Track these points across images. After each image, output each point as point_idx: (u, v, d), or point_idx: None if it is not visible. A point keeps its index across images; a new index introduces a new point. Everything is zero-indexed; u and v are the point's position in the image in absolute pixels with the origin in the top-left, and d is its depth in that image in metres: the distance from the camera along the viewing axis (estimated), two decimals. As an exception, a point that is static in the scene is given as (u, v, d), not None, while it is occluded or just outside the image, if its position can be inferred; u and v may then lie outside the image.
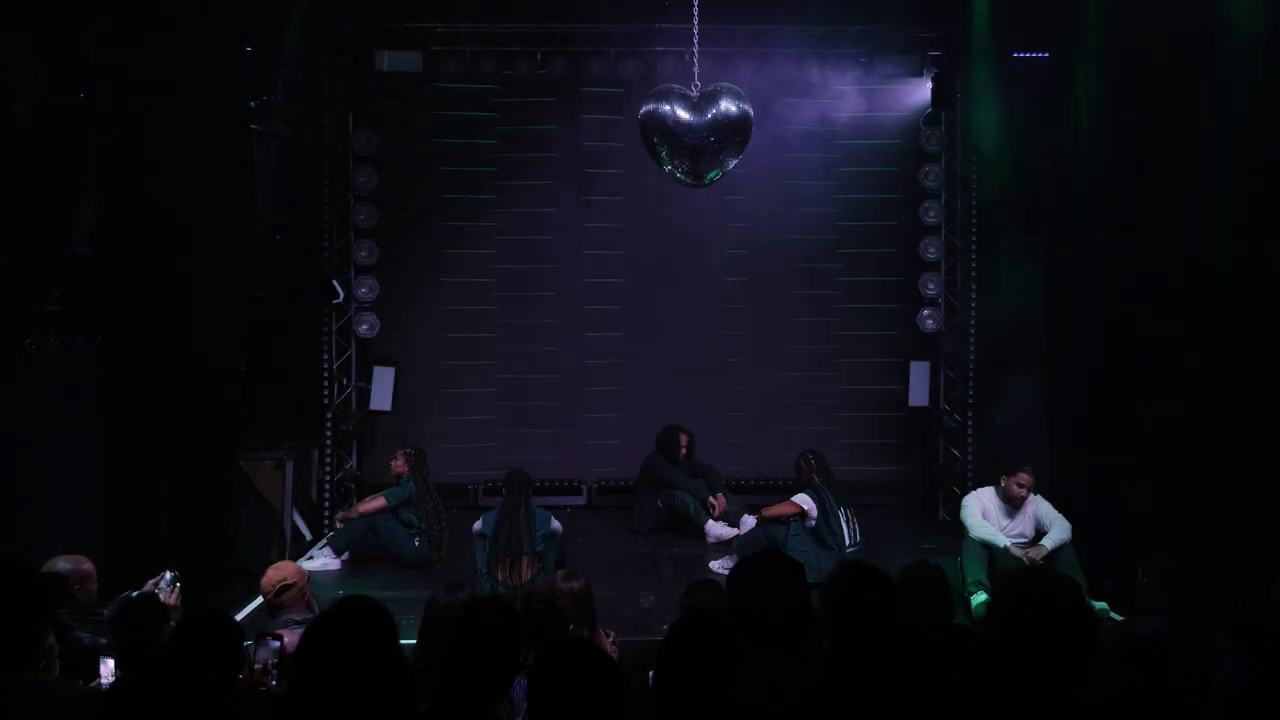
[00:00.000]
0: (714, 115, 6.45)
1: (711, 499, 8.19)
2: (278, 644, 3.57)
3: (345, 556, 7.55)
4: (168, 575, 4.49)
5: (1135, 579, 4.68)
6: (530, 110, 9.36)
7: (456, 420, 9.48)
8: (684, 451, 8.46)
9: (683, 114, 6.40)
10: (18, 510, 5.88)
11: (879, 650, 2.74)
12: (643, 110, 6.49)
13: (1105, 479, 6.99)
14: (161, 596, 4.36)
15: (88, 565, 4.32)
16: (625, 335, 9.56)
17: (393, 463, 7.69)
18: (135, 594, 4.40)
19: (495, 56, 8.86)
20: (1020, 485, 6.54)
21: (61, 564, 4.24)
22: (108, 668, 3.83)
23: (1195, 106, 6.25)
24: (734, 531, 7.90)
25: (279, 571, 4.70)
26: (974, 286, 9.14)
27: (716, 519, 8.11)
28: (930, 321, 9.32)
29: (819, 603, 2.95)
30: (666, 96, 6.46)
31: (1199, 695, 3.03)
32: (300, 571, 4.73)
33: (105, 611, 4.25)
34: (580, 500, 9.39)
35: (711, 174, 6.64)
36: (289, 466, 8.15)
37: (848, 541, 6.88)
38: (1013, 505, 6.58)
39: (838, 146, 9.44)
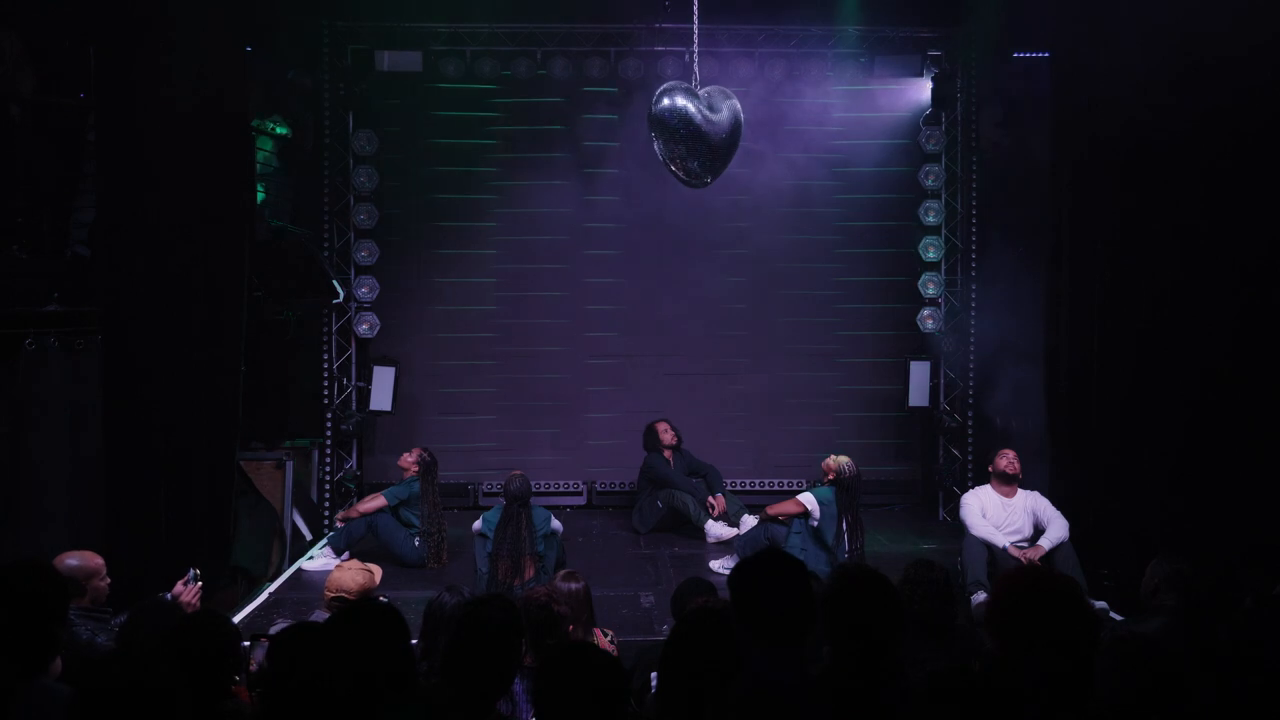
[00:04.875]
0: (728, 116, 6.47)
1: (711, 499, 8.20)
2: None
3: (345, 556, 7.54)
4: (192, 572, 4.50)
5: (1138, 579, 4.67)
6: (530, 110, 9.36)
7: (456, 420, 9.48)
8: (672, 438, 8.49)
9: (706, 112, 6.40)
10: (18, 510, 5.88)
11: (879, 654, 2.73)
12: (662, 105, 6.44)
13: (1106, 478, 6.99)
14: (185, 593, 4.39)
15: (97, 561, 4.27)
16: (625, 335, 9.56)
17: (405, 456, 7.69)
18: (168, 595, 4.41)
19: (495, 56, 8.86)
20: (1004, 459, 6.66)
21: (70, 560, 4.20)
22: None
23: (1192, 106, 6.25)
24: (734, 531, 7.91)
25: (347, 577, 4.66)
26: (974, 286, 9.15)
27: (716, 519, 8.12)
28: (930, 321, 9.32)
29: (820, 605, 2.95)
30: (684, 94, 6.44)
31: (1203, 694, 3.02)
32: (365, 588, 4.66)
33: (111, 610, 4.25)
34: (580, 500, 9.40)
35: (712, 175, 6.65)
36: (289, 466, 8.15)
37: (846, 547, 6.86)
38: (1010, 486, 6.60)
39: (838, 147, 9.45)
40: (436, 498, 7.56)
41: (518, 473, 6.73)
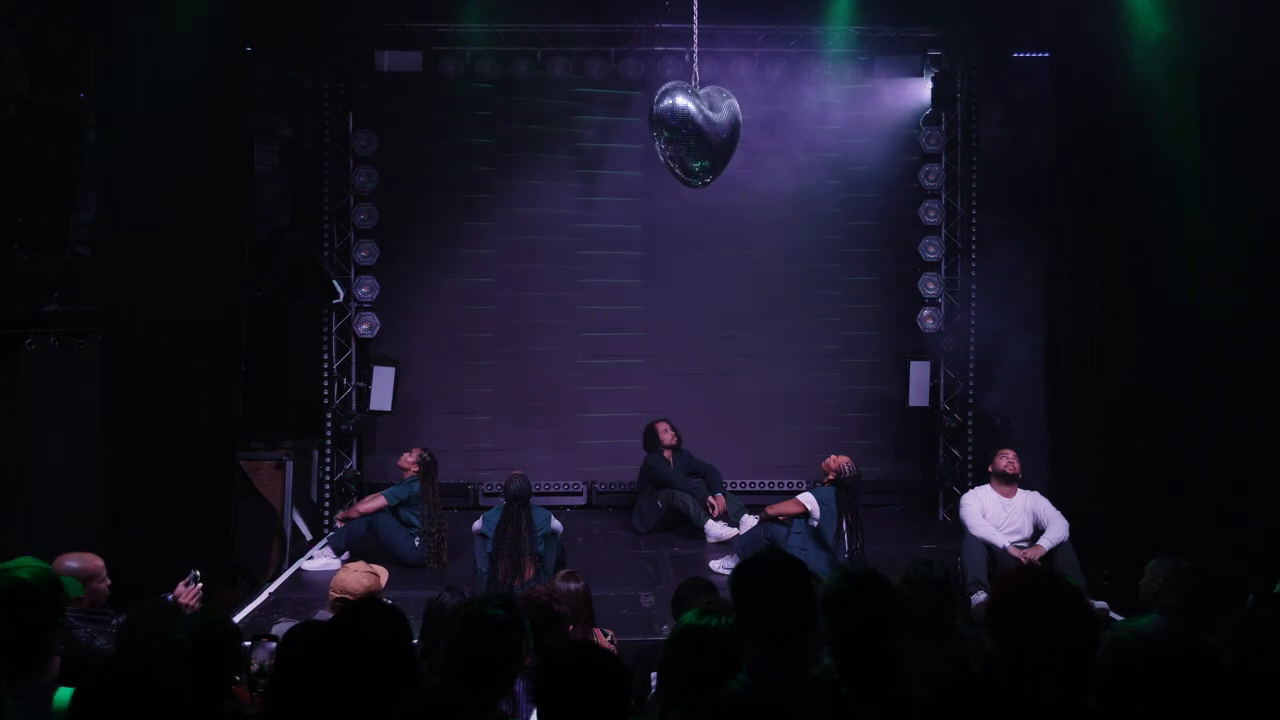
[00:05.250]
0: (727, 116, 6.47)
1: (711, 499, 8.19)
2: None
3: (345, 556, 7.54)
4: (194, 573, 4.50)
5: (1138, 579, 4.67)
6: (530, 110, 9.36)
7: (456, 420, 9.48)
8: (672, 438, 8.49)
9: (707, 112, 6.40)
10: (18, 510, 5.88)
11: (879, 653, 2.73)
12: (663, 105, 6.43)
13: (1106, 478, 7.00)
14: (184, 595, 4.38)
15: (97, 563, 4.26)
16: (625, 335, 9.56)
17: (405, 456, 7.69)
18: (169, 596, 4.41)
19: (495, 56, 8.87)
20: (1003, 459, 6.64)
21: (70, 562, 4.19)
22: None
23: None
24: (734, 531, 7.91)
25: (352, 579, 4.63)
26: (974, 286, 9.15)
27: (716, 519, 8.11)
28: (930, 321, 9.32)
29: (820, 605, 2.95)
30: (685, 94, 6.44)
31: (1203, 695, 3.02)
32: (370, 590, 4.62)
33: (111, 611, 4.23)
34: (580, 500, 9.40)
35: (713, 175, 6.66)
36: (289, 466, 8.15)
37: (846, 547, 6.85)
38: (1010, 486, 6.60)
39: (838, 146, 9.44)
40: (437, 498, 7.56)
41: (518, 473, 6.73)
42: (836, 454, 6.99)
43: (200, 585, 4.49)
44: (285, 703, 2.58)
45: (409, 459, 7.64)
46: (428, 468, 7.56)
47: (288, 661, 2.61)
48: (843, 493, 6.80)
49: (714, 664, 2.63)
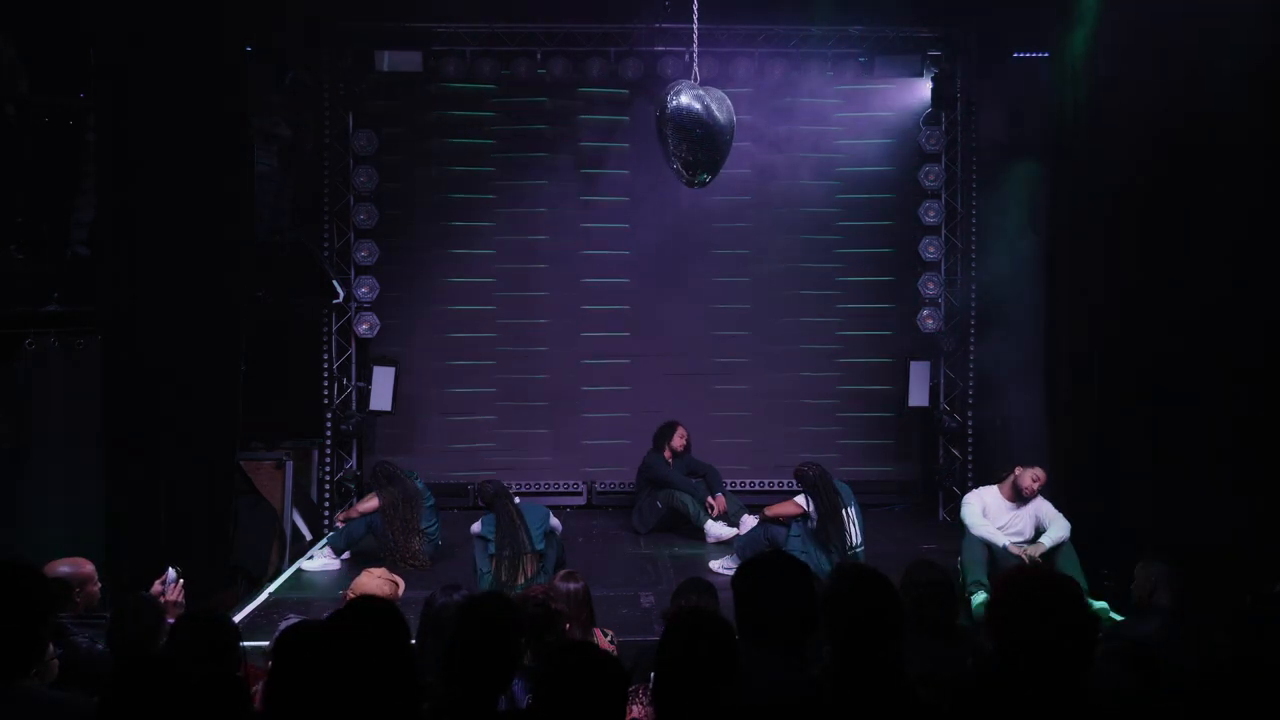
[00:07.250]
0: (726, 114, 6.49)
1: (711, 499, 8.19)
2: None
3: (345, 556, 7.55)
4: (171, 572, 4.48)
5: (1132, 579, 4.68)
6: (530, 110, 9.37)
7: (456, 420, 9.48)
8: (682, 444, 8.47)
9: (714, 111, 6.42)
10: (18, 510, 5.88)
11: (880, 654, 2.73)
12: (673, 104, 6.44)
13: (1106, 478, 6.99)
14: (167, 593, 4.36)
15: (88, 568, 4.28)
16: (625, 335, 9.56)
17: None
18: (145, 594, 4.40)
19: (495, 56, 8.87)
20: (1034, 479, 6.52)
21: (62, 567, 4.20)
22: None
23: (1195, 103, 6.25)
24: (734, 531, 7.91)
25: (374, 584, 4.60)
26: (974, 286, 9.15)
27: (716, 519, 8.11)
28: (930, 321, 9.31)
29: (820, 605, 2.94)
30: (692, 93, 6.44)
31: (1199, 693, 3.02)
32: (389, 598, 4.56)
33: (106, 615, 4.23)
34: (580, 500, 9.39)
35: (713, 174, 6.66)
36: (289, 466, 8.15)
37: (847, 545, 6.83)
38: (1019, 501, 6.55)
39: (837, 147, 9.45)
40: (403, 504, 7.35)
41: (485, 480, 6.79)
42: (810, 458, 7.02)
43: (181, 582, 4.46)
44: (281, 701, 2.57)
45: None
46: (379, 481, 7.48)
47: (283, 659, 2.61)
48: (815, 494, 6.76)
49: (708, 664, 2.61)
